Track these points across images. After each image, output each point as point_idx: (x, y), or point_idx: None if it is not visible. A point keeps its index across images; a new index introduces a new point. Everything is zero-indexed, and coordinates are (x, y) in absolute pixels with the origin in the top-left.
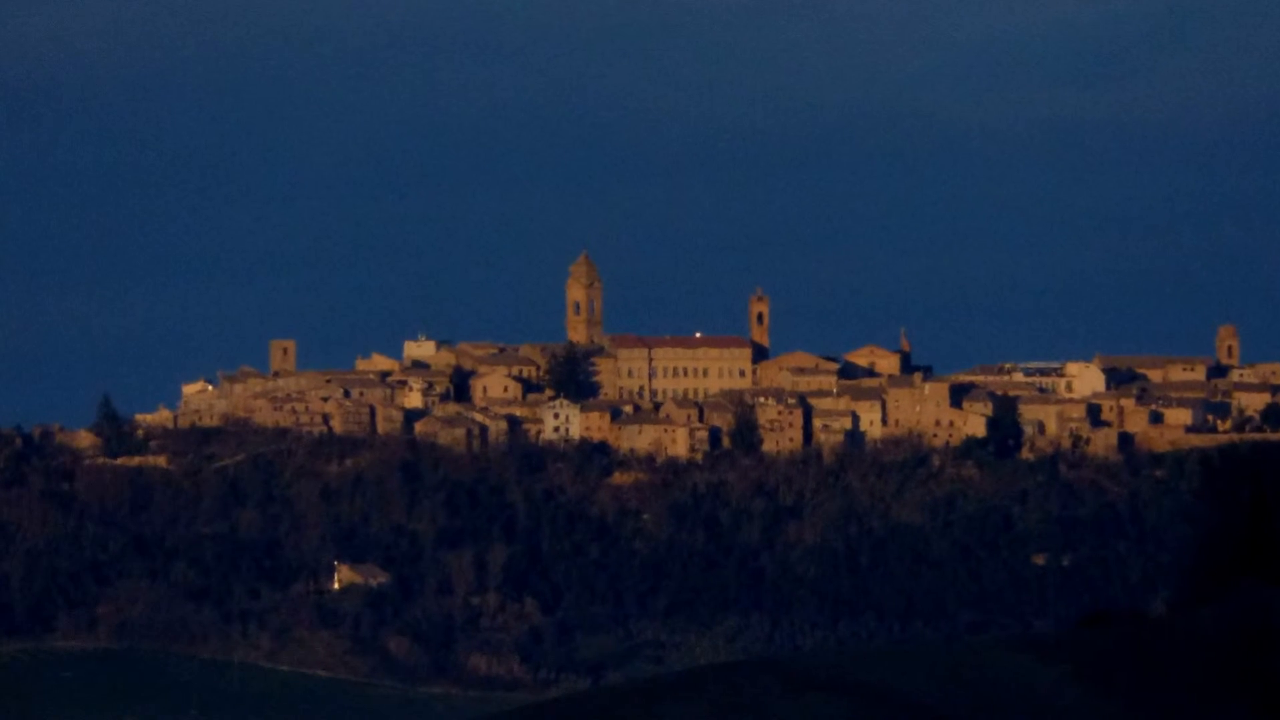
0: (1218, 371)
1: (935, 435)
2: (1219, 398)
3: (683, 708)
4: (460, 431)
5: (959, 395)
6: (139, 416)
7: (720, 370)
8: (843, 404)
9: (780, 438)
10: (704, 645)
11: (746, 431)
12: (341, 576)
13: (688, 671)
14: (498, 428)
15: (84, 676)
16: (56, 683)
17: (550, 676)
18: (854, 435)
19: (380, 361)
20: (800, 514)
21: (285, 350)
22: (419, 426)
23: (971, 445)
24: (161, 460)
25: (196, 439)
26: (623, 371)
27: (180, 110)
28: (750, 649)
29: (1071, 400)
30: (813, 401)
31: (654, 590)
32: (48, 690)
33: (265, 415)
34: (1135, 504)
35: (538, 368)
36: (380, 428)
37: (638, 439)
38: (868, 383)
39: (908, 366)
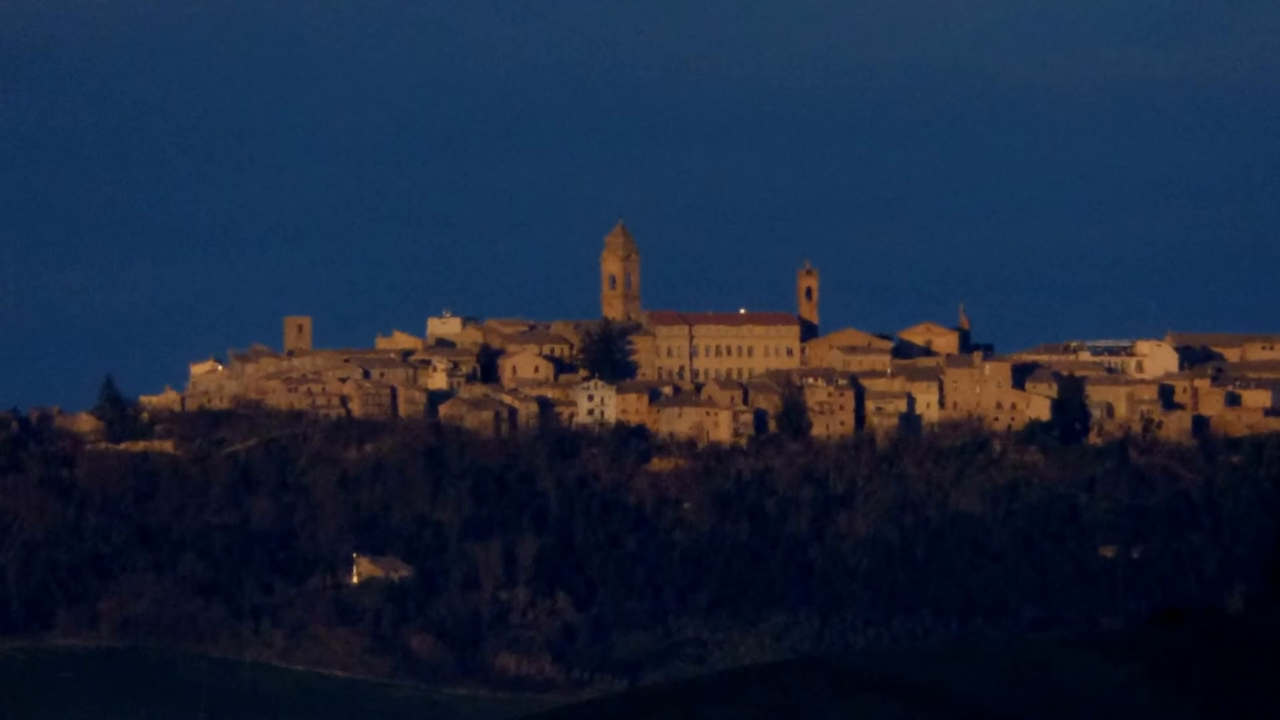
0: None
1: (996, 419)
2: None
3: (725, 710)
4: (488, 414)
5: (1022, 376)
6: (144, 399)
7: (766, 349)
8: (897, 385)
9: (830, 421)
10: (748, 644)
11: (794, 414)
12: (360, 570)
13: (731, 672)
14: (528, 410)
15: (85, 677)
16: (56, 683)
17: (584, 677)
18: (909, 418)
19: (402, 340)
20: (852, 503)
21: (300, 327)
22: (444, 409)
23: (1035, 429)
24: (168, 445)
25: (205, 423)
26: (662, 350)
27: (188, 71)
28: (798, 647)
29: (1142, 381)
30: (865, 382)
31: (695, 585)
32: (46, 691)
33: (279, 397)
34: (1210, 492)
35: (571, 346)
36: (402, 410)
37: (677, 422)
38: (924, 362)
39: (967, 345)
